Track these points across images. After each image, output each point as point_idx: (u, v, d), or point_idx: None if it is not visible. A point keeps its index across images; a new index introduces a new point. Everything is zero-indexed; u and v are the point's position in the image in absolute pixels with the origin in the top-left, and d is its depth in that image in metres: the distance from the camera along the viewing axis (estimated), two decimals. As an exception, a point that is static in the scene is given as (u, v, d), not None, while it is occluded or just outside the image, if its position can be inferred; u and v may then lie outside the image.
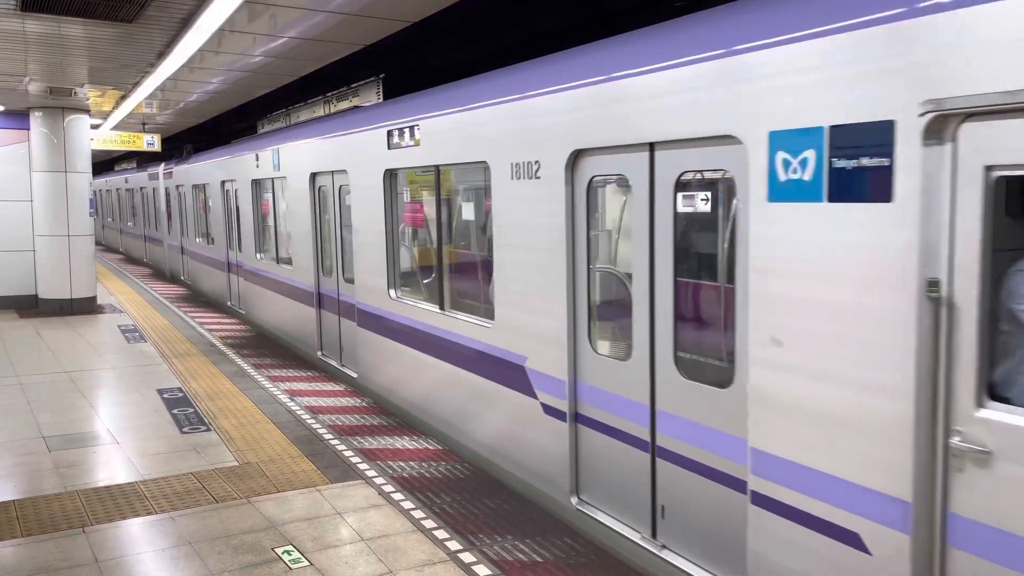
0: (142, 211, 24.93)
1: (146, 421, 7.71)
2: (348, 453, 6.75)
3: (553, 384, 5.44)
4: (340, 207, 9.42)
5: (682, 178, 4.40)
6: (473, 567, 4.76)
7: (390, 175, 7.87)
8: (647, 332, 4.65)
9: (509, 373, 5.94)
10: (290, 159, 10.65)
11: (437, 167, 6.96)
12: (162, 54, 8.89)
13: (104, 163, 30.80)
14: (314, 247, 10.18)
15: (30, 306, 14.67)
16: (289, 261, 11.25)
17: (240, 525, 5.32)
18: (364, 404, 8.76)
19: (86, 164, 14.61)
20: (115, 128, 17.21)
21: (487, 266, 6.66)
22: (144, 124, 17.25)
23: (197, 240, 17.25)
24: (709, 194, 4.70)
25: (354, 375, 9.22)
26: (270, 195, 12.16)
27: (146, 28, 7.70)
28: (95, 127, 16.39)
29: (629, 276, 4.88)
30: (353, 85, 9.57)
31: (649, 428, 4.70)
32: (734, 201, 4.10)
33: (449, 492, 6.23)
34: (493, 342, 6.13)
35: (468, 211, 7.62)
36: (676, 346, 4.51)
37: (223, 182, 14.40)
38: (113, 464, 6.56)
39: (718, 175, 4.43)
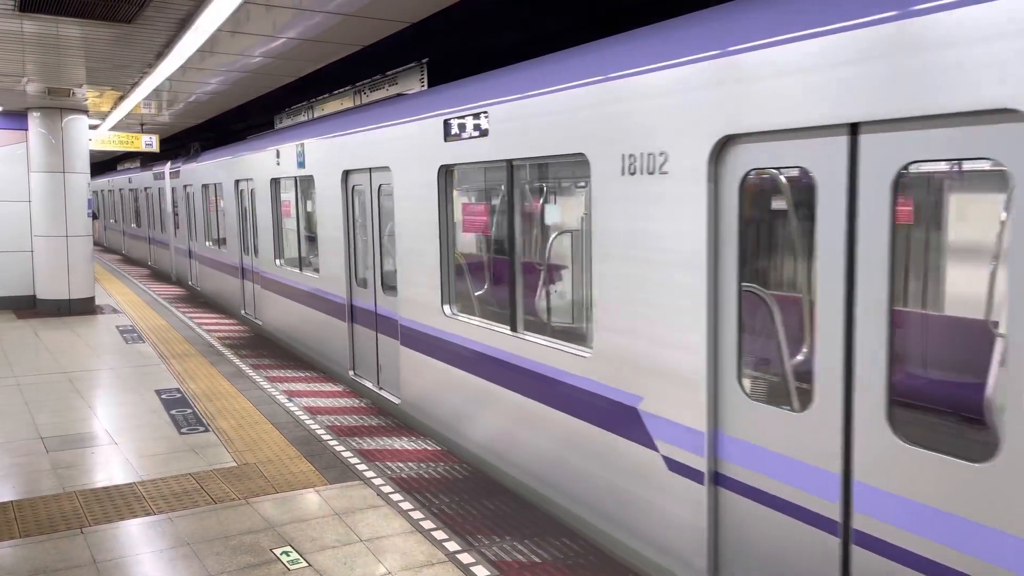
0: (146, 212, 23.87)
1: (144, 422, 7.70)
2: (347, 454, 6.75)
3: (682, 434, 4.35)
4: (379, 209, 8.36)
5: (905, 172, 3.30)
6: (472, 568, 4.76)
7: (446, 172, 6.83)
8: (840, 376, 3.53)
9: (615, 415, 4.86)
10: (318, 155, 9.66)
11: (510, 162, 5.88)
12: (160, 55, 8.89)
13: (106, 163, 30.47)
14: (346, 254, 9.09)
15: (28, 307, 14.66)
16: (316, 269, 10.23)
17: (238, 526, 5.32)
18: (362, 405, 8.75)
19: (84, 164, 14.60)
20: (113, 128, 17.20)
21: (575, 281, 5.97)
22: (143, 125, 17.24)
23: (207, 244, 16.29)
24: (949, 193, 3.84)
25: (395, 400, 8.11)
26: (292, 195, 11.11)
27: (144, 28, 7.69)
28: (93, 127, 16.38)
29: (775, 298, 4.09)
30: (389, 72, 8.41)
31: (840, 505, 3.59)
32: (1007, 202, 2.93)
33: (447, 493, 6.23)
34: (592, 375, 5.07)
35: (553, 214, 6.79)
36: (890, 399, 3.36)
37: (237, 181, 13.50)
38: (111, 465, 6.55)
39: (977, 165, 3.48)
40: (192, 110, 14.43)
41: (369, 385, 8.85)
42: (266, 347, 12.09)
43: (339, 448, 6.91)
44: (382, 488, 5.98)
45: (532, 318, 6.38)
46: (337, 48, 8.73)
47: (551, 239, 6.58)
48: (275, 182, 11.61)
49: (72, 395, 8.74)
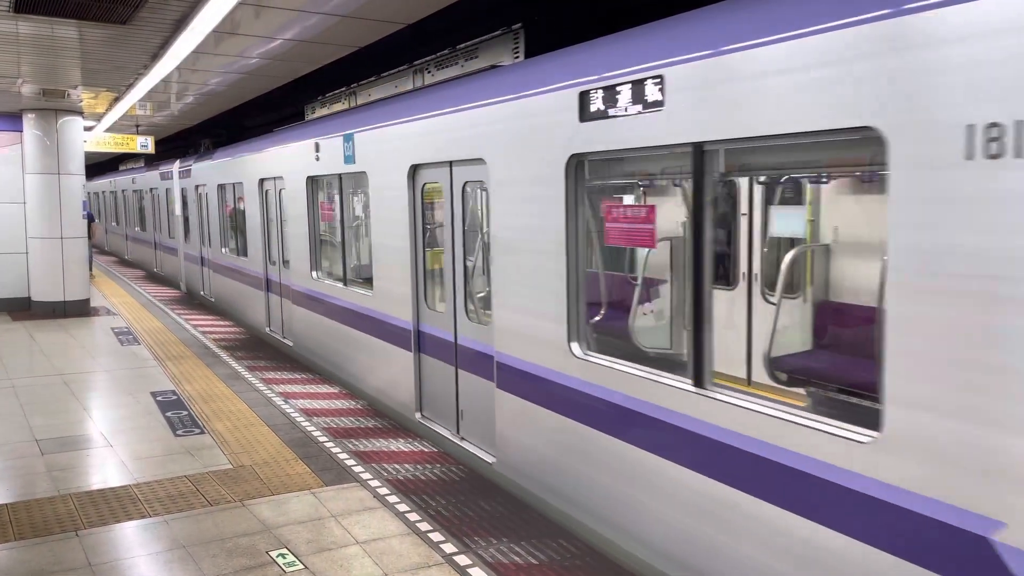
0: (152, 215, 22.02)
1: (139, 424, 7.68)
2: (343, 455, 6.74)
3: None
4: (464, 214, 6.67)
5: None
6: (468, 570, 4.75)
7: (578, 163, 5.13)
8: None
9: (939, 542, 3.12)
10: (373, 148, 7.99)
11: (699, 145, 4.17)
12: (156, 56, 8.88)
13: (108, 162, 29.75)
14: (413, 269, 7.38)
15: (23, 308, 14.62)
16: (368, 284, 8.53)
17: (234, 528, 5.30)
18: (359, 406, 8.74)
19: (79, 166, 14.58)
20: (108, 130, 17.16)
21: (843, 317, 4.42)
22: (138, 126, 17.22)
23: (223, 251, 14.48)
24: None
25: (488, 459, 6.33)
26: (336, 196, 9.47)
27: (140, 30, 7.68)
28: (88, 129, 16.35)
29: None
30: (463, 46, 6.90)
31: None
32: None
33: (444, 495, 6.22)
34: (878, 474, 3.31)
35: (787, 221, 5.24)
36: None
37: (262, 180, 11.81)
38: (106, 467, 6.53)
39: None
40: (190, 111, 14.41)
41: (445, 433, 7.06)
42: (262, 349, 12.07)
43: (335, 450, 6.89)
44: (378, 490, 5.97)
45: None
46: (335, 49, 8.72)
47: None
48: (312, 181, 9.87)
49: (67, 397, 8.71)
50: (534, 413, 5.63)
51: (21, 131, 14.29)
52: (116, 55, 9.02)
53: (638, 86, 4.48)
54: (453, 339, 6.85)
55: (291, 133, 10.73)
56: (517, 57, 6.26)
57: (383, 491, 5.96)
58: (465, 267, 6.68)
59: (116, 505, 5.70)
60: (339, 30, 7.71)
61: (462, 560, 4.87)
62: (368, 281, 8.53)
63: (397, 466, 6.84)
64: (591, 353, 5.14)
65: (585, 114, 4.91)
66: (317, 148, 9.41)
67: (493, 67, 6.42)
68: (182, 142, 20.37)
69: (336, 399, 9.06)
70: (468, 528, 5.62)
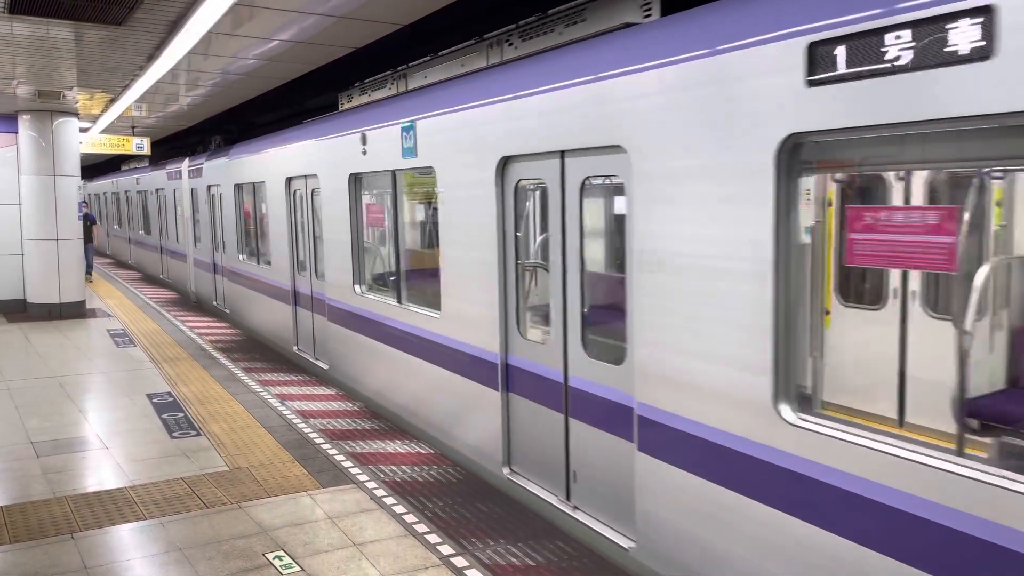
0: (158, 217, 20.59)
1: (135, 426, 7.66)
2: (339, 457, 6.73)
3: None
4: (581, 217, 5.23)
5: None
6: (465, 571, 4.74)
7: (795, 146, 3.69)
8: None
9: None
10: (444, 138, 6.61)
11: None
12: (152, 57, 8.86)
13: (109, 162, 29.29)
14: (501, 289, 5.98)
15: (18, 310, 14.58)
16: (431, 303, 7.17)
17: (230, 530, 5.29)
18: (355, 408, 8.72)
19: (75, 167, 14.55)
20: (104, 131, 17.13)
21: None
22: (134, 127, 17.19)
23: (240, 257, 13.21)
24: None
25: (623, 543, 4.89)
26: (388, 196, 8.21)
27: (135, 31, 7.67)
28: (84, 130, 16.32)
29: None
30: (555, 11, 5.72)
31: None
32: None
33: (441, 496, 6.21)
34: None
35: None
36: None
37: (289, 179, 10.51)
38: (102, 469, 6.51)
39: None
40: (187, 112, 14.38)
41: (547, 498, 5.62)
42: (258, 351, 12.04)
43: (332, 452, 6.88)
44: (375, 492, 5.96)
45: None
46: (333, 50, 8.71)
47: None
48: (356, 179, 8.59)
49: (63, 399, 8.68)
50: (709, 494, 4.17)
51: (16, 132, 14.26)
52: (111, 56, 9.00)
53: (930, 28, 3.02)
54: (562, 379, 5.45)
55: (327, 124, 9.36)
56: (649, 15, 4.96)
57: (380, 493, 5.95)
58: (582, 288, 5.26)
59: (112, 507, 5.68)
60: (338, 29, 7.70)
61: (459, 562, 4.86)
62: (430, 299, 7.21)
63: (394, 467, 6.83)
64: (810, 418, 3.67)
65: (817, 75, 3.49)
66: (364, 140, 8.13)
67: (627, 26, 4.99)
68: (178, 143, 20.33)
69: (332, 401, 9.04)
70: (465, 530, 5.61)
